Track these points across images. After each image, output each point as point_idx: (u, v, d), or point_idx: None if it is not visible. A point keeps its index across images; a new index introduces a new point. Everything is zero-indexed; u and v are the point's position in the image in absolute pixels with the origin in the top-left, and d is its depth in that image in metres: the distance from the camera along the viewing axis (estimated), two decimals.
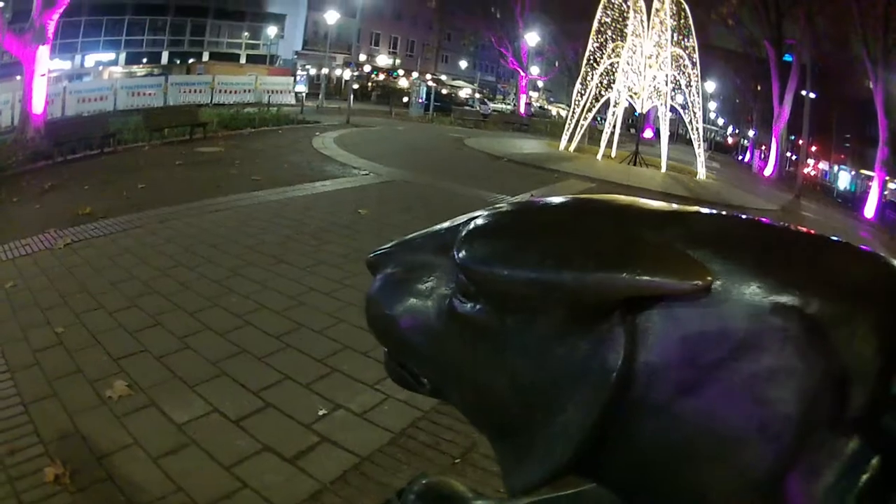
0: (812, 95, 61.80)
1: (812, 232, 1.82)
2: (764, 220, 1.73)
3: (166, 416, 6.62)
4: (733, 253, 1.54)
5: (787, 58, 68.51)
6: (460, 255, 1.70)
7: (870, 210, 52.97)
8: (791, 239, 1.73)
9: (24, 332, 8.62)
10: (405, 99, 77.87)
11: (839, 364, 1.55)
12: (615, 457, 1.63)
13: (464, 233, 1.80)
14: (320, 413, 6.89)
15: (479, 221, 1.85)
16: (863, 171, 79.63)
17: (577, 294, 1.50)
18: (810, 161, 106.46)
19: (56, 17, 28.59)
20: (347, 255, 12.78)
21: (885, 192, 65.52)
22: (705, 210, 1.72)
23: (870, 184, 57.46)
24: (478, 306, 1.74)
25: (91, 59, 78.12)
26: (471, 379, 1.81)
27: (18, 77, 34.42)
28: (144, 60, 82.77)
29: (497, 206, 1.89)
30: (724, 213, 1.70)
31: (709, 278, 1.44)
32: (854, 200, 60.93)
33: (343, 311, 9.85)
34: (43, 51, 28.80)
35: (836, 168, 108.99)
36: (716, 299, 1.47)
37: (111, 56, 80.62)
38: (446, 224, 2.04)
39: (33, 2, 28.18)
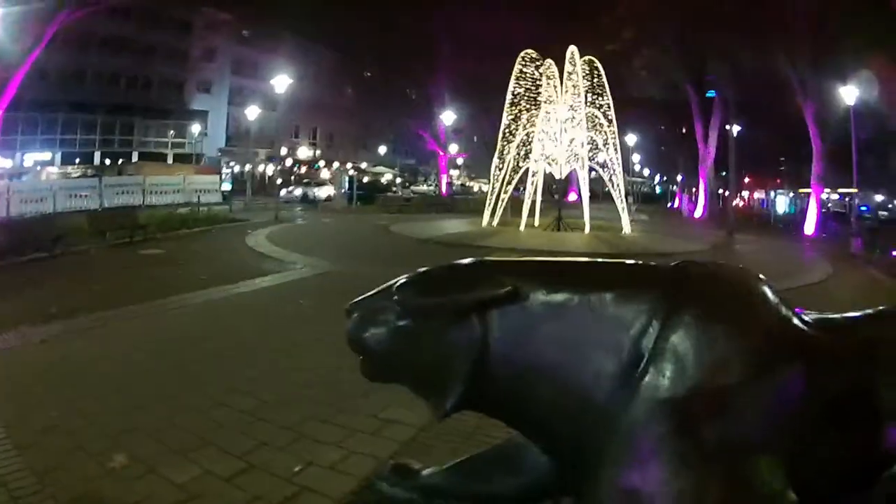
0: (737, 129, 62.12)
1: (585, 259, 3.96)
2: (556, 259, 3.96)
3: (167, 478, 7.44)
4: (530, 277, 3.82)
5: (711, 94, 69.14)
6: (395, 297, 3.98)
7: (809, 227, 53.63)
8: (565, 264, 3.87)
9: (22, 416, 9.38)
10: (320, 192, 78.60)
11: (597, 314, 3.45)
12: (486, 390, 3.84)
13: (397, 285, 4.07)
14: (296, 469, 7.77)
15: (404, 280, 4.11)
16: (801, 191, 79.91)
17: (451, 306, 3.76)
18: (744, 193, 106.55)
19: (0, 112, 29.21)
20: (296, 342, 13.76)
21: (829, 205, 65.76)
22: (521, 258, 4.25)
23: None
24: (406, 320, 3.93)
25: (29, 158, 78.77)
26: (407, 361, 4.02)
27: None
28: (78, 160, 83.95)
29: (412, 273, 4.21)
30: (529, 259, 4.24)
31: (508, 289, 3.64)
32: (794, 222, 61.04)
33: (302, 389, 10.80)
34: None
35: (772, 194, 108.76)
36: (522, 298, 3.67)
37: (47, 156, 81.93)
38: (385, 285, 4.23)
39: None
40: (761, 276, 4.08)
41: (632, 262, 4.35)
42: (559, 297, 3.71)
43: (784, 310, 3.88)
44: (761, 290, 3.95)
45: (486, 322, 3.70)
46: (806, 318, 3.94)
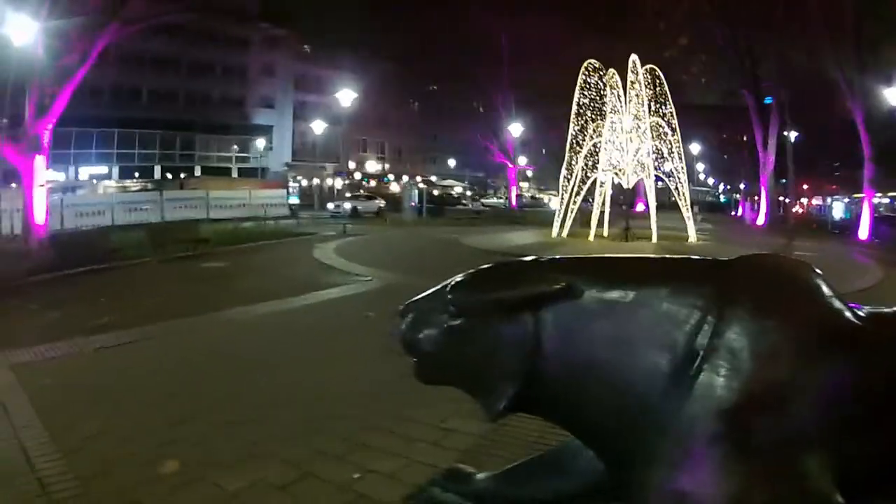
0: (794, 134, 61.69)
1: (638, 256, 3.73)
2: (609, 255, 4.06)
3: (218, 486, 7.31)
4: (584, 273, 3.56)
5: (768, 100, 68.47)
6: (449, 297, 3.76)
7: (863, 232, 52.67)
8: (618, 261, 3.58)
9: (71, 422, 9.39)
10: (369, 205, 76.91)
11: (647, 316, 3.54)
12: (540, 390, 3.58)
13: (451, 285, 3.83)
14: (355, 476, 7.58)
15: (458, 279, 3.87)
16: (856, 196, 79.44)
17: (504, 303, 3.55)
18: (802, 200, 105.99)
19: (50, 126, 29.30)
20: (359, 353, 13.42)
21: (881, 209, 65.17)
22: (574, 256, 4.07)
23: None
24: (460, 319, 3.69)
25: (84, 172, 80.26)
26: (460, 361, 3.79)
27: (14, 185, 35.05)
28: (136, 175, 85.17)
29: (467, 272, 3.98)
30: (583, 256, 4.05)
31: (563, 284, 3.45)
32: (850, 228, 60.29)
33: (363, 399, 10.56)
34: (39, 160, 29.41)
35: (829, 200, 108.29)
36: (576, 294, 3.44)
37: (104, 169, 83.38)
38: (437, 286, 4.00)
39: (26, 110, 28.95)
40: (816, 268, 3.96)
41: (685, 257, 4.28)
42: (613, 293, 3.56)
43: (838, 302, 3.76)
44: (816, 282, 3.84)
45: (539, 319, 3.54)
46: (859, 312, 3.80)
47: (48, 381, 11.54)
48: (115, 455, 8.23)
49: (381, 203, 73.95)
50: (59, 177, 70.32)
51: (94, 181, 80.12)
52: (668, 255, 4.19)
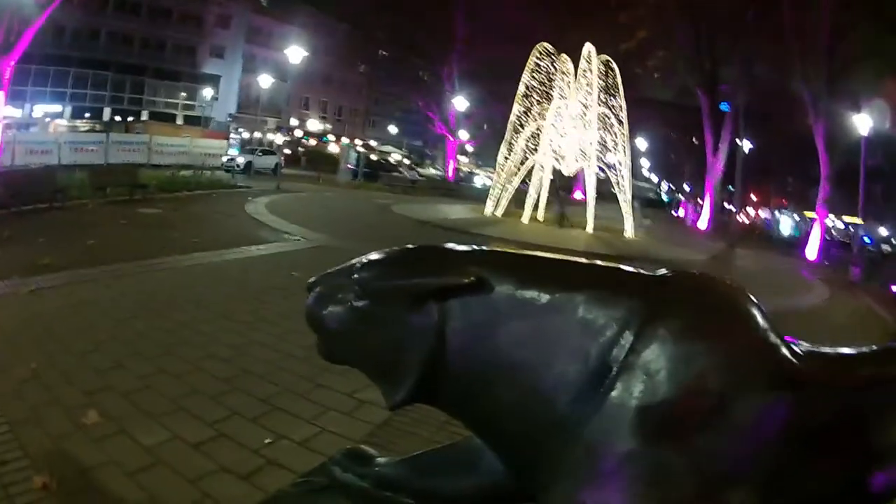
0: (747, 143, 61.64)
1: (567, 258, 3.87)
2: (531, 253, 3.92)
3: (135, 440, 7.45)
4: (496, 267, 3.53)
5: (723, 106, 68.13)
6: (355, 276, 3.73)
7: (811, 251, 52.74)
8: (540, 260, 3.78)
9: (3, 365, 9.40)
10: (266, 161, 74.56)
11: (561, 311, 3.42)
12: (442, 385, 3.57)
13: (359, 264, 3.78)
14: (266, 441, 7.76)
15: (370, 257, 3.83)
16: (806, 214, 79.16)
17: (409, 291, 3.49)
18: (749, 210, 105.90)
19: (12, 63, 29.21)
20: (283, 313, 13.57)
21: (833, 233, 65.35)
22: (490, 247, 3.87)
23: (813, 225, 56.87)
24: (364, 301, 3.67)
25: (38, 110, 78.67)
26: (361, 344, 3.79)
27: None
28: (87, 115, 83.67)
29: (378, 251, 3.92)
30: (504, 249, 3.88)
31: (472, 278, 3.37)
32: (797, 244, 59.97)
33: (283, 361, 10.77)
34: None
35: (776, 213, 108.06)
36: (487, 288, 3.39)
37: (57, 108, 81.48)
38: (349, 262, 3.92)
39: None
40: (752, 295, 3.69)
41: (613, 265, 3.99)
42: (527, 293, 3.46)
43: (773, 336, 3.51)
44: (750, 310, 3.60)
45: (444, 311, 3.47)
46: (795, 348, 3.54)
47: None
48: (45, 401, 8.37)
49: (280, 160, 72.50)
50: (17, 113, 69.59)
51: (48, 119, 79.12)
52: (598, 262, 4.07)
